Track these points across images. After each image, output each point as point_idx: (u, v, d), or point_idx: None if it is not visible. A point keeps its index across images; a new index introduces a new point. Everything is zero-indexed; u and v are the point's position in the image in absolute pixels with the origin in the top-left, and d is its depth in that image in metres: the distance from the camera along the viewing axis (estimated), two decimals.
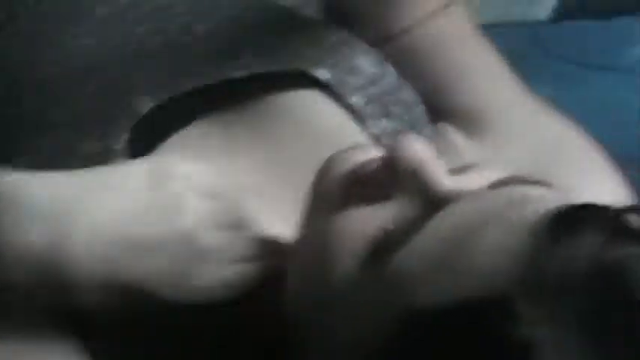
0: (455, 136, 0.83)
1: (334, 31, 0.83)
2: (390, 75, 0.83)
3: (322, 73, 0.80)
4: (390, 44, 0.86)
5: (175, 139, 0.75)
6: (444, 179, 0.59)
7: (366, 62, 0.82)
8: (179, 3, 0.82)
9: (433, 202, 0.58)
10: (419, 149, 0.60)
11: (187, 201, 0.66)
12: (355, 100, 0.80)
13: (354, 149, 0.64)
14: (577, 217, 0.53)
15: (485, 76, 0.86)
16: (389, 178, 0.60)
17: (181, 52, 0.79)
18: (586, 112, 1.07)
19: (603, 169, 0.82)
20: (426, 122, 0.82)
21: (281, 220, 0.69)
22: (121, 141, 0.73)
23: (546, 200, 0.56)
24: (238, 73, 0.78)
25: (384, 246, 0.58)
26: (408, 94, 0.83)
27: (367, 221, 0.59)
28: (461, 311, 0.52)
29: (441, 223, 0.57)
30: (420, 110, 0.83)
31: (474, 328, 0.52)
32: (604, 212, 0.54)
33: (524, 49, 1.17)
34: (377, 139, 0.78)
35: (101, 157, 0.72)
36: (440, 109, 0.84)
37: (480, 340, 0.51)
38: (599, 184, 0.80)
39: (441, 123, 0.83)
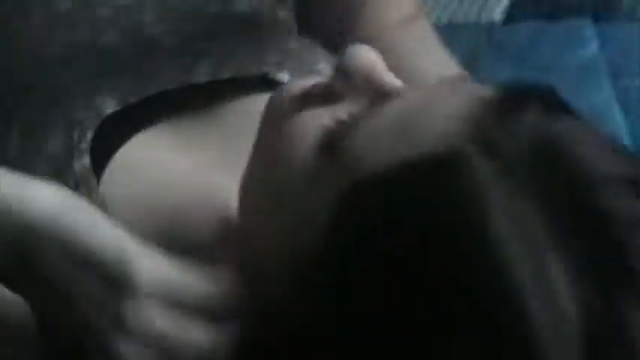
0: None
1: (296, 37, 0.85)
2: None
3: (284, 77, 0.81)
4: None
5: (138, 141, 0.76)
6: (393, 78, 0.62)
7: (326, 68, 0.82)
8: (146, 6, 0.82)
9: (383, 93, 0.61)
10: (369, 54, 0.62)
11: None
12: None
13: (304, 78, 0.66)
14: (520, 96, 0.56)
15: (432, 59, 0.90)
16: (340, 86, 0.62)
17: (147, 56, 0.80)
18: None
19: None
20: None
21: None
22: (86, 140, 0.74)
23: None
24: (202, 78, 0.79)
25: (337, 134, 0.59)
26: None
27: (321, 116, 0.61)
28: (413, 169, 0.54)
29: (393, 104, 0.59)
30: None
31: (429, 184, 0.53)
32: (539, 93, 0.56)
33: (478, 50, 1.18)
34: None
35: (66, 157, 0.73)
36: None
37: (435, 197, 0.52)
38: None
39: None
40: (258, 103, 0.79)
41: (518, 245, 0.50)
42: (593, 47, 1.19)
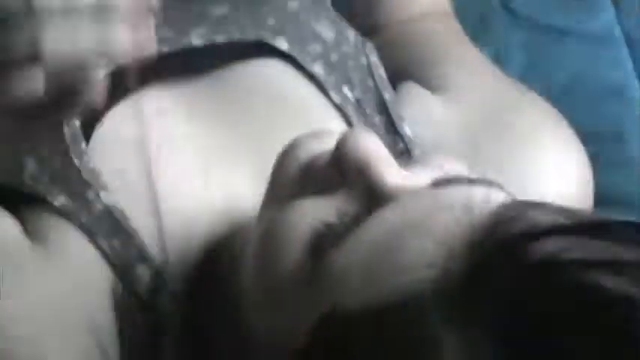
0: (419, 89, 0.83)
1: None
2: (349, 39, 0.83)
3: (281, 43, 0.79)
4: (375, 36, 0.88)
5: (130, 102, 0.74)
6: (387, 176, 0.59)
7: (325, 28, 0.82)
8: None
9: (375, 198, 0.58)
10: (366, 144, 0.60)
11: None
12: (316, 69, 0.80)
13: (314, 136, 0.64)
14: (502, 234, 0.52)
15: (461, 59, 0.88)
16: (336, 172, 0.60)
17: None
18: (555, 84, 1.08)
19: (553, 139, 0.81)
20: (387, 86, 0.82)
21: (236, 182, 0.70)
22: None
23: (485, 204, 0.55)
24: (198, 41, 0.78)
25: (323, 240, 0.58)
26: (369, 58, 0.82)
27: (312, 213, 0.60)
28: (378, 314, 0.52)
29: (375, 225, 0.57)
30: (381, 74, 0.82)
31: (389, 331, 0.52)
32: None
33: (490, 15, 1.15)
34: (339, 109, 0.79)
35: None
36: (403, 78, 0.85)
37: (392, 343, 0.52)
38: (547, 150, 0.80)
39: (406, 82, 0.84)
40: (253, 68, 0.79)
41: None
42: (609, 14, 1.15)
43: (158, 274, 0.69)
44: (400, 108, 0.81)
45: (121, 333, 0.67)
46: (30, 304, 0.65)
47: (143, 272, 0.69)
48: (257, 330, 0.62)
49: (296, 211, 0.60)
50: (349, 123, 0.78)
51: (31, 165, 0.71)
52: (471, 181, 0.59)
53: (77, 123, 0.72)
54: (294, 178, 0.62)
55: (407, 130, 0.79)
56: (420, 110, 0.81)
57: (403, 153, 0.78)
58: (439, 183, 0.59)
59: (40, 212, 0.71)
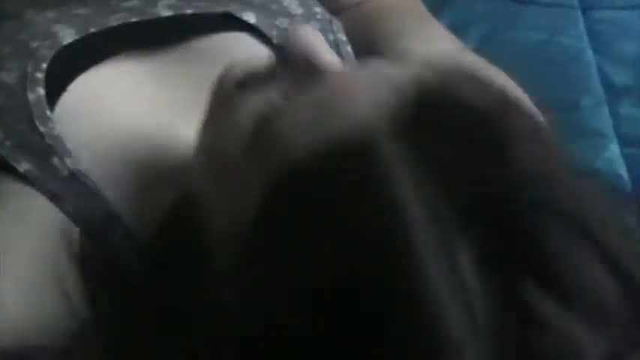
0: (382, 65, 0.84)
1: None
2: (317, 15, 0.84)
3: (249, 16, 0.80)
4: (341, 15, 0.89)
5: (96, 73, 0.75)
6: (326, 56, 0.62)
7: (293, 3, 0.83)
8: None
9: (314, 73, 0.61)
10: (307, 33, 0.63)
11: None
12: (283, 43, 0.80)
13: (246, 59, 0.65)
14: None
15: (424, 33, 0.89)
16: (278, 66, 0.63)
17: None
18: (520, 51, 1.09)
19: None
20: (353, 61, 0.83)
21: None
22: (41, 70, 0.73)
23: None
24: (166, 13, 0.78)
25: (269, 117, 0.59)
26: (337, 35, 0.83)
27: (254, 99, 0.61)
28: (325, 161, 0.54)
29: (314, 89, 0.59)
30: (348, 50, 0.83)
31: (337, 178, 0.53)
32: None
33: None
34: None
35: (20, 87, 0.72)
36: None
37: (346, 186, 0.52)
38: None
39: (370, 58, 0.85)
40: (220, 41, 0.79)
41: (426, 232, 0.50)
42: None
43: (128, 233, 0.69)
44: None
45: (92, 295, 0.66)
46: None
47: (113, 233, 0.70)
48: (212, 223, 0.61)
49: (243, 104, 0.62)
50: None
51: None
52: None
53: (41, 90, 0.72)
54: (234, 86, 0.64)
55: None
56: None
57: None
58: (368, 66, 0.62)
59: (3, 178, 0.71)
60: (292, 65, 0.62)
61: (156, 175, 0.72)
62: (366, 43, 0.87)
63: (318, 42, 0.63)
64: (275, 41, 0.80)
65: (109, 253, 0.69)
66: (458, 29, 1.01)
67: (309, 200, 0.53)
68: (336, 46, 0.83)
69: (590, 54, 1.12)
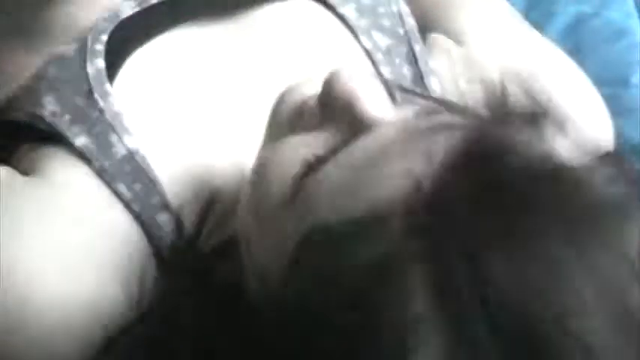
0: (447, 42, 0.83)
1: None
2: None
3: None
4: None
5: (154, 44, 0.74)
6: (370, 107, 0.60)
7: None
8: None
9: (356, 128, 0.60)
10: (351, 79, 0.61)
11: None
12: (347, 12, 0.79)
13: (308, 81, 0.65)
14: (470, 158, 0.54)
15: (478, 11, 0.87)
16: (324, 107, 0.62)
17: None
18: (555, 28, 1.08)
19: (577, 94, 0.83)
20: (417, 36, 0.82)
21: (255, 123, 0.69)
22: (101, 42, 0.72)
23: (459, 131, 0.56)
24: None
25: (310, 170, 0.59)
26: (400, 6, 0.82)
27: (301, 147, 0.61)
28: (356, 229, 0.53)
29: (355, 148, 0.58)
30: (412, 23, 0.82)
31: (366, 248, 0.52)
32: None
33: None
34: (368, 54, 0.79)
35: (80, 60, 0.72)
36: (430, 26, 0.85)
37: (367, 253, 0.52)
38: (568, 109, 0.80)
39: (433, 34, 0.84)
40: (284, 8, 0.79)
41: (436, 314, 0.50)
42: None
43: (179, 222, 0.69)
44: (428, 61, 0.81)
45: (139, 279, 0.67)
46: (40, 247, 0.65)
47: (164, 220, 0.69)
48: (249, 261, 0.62)
49: (286, 147, 0.62)
50: (377, 69, 0.78)
51: (51, 103, 0.71)
52: (451, 110, 0.61)
53: (101, 63, 0.71)
54: (288, 119, 0.64)
55: (434, 84, 0.79)
56: (445, 65, 0.81)
57: None
58: (421, 112, 0.61)
59: (57, 152, 0.70)
60: (336, 112, 0.61)
61: (208, 165, 0.72)
62: (425, 14, 0.86)
63: (362, 87, 0.61)
64: (339, 10, 0.79)
65: (158, 243, 0.69)
66: None
67: (333, 265, 0.53)
68: (400, 18, 0.82)
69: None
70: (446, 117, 0.59)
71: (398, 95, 0.64)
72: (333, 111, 0.61)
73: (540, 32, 0.96)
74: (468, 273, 0.50)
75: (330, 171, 0.58)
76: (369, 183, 0.55)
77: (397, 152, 0.56)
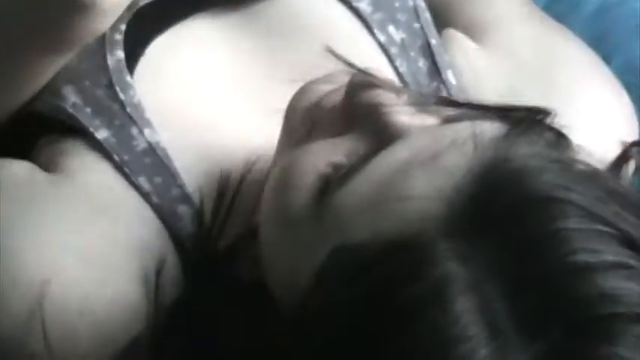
0: (463, 39, 0.82)
1: None
2: None
3: None
4: None
5: (174, 31, 0.75)
6: (395, 115, 0.60)
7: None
8: None
9: (383, 137, 0.59)
10: (375, 86, 0.61)
11: None
12: (362, 5, 0.79)
13: (323, 80, 0.64)
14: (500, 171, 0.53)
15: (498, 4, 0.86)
16: (347, 113, 0.61)
17: None
18: (581, 16, 1.07)
19: (598, 89, 0.82)
20: (433, 30, 0.81)
21: (272, 115, 0.69)
22: (120, 32, 0.72)
23: (489, 138, 0.56)
24: None
25: (332, 181, 0.58)
26: (416, 1, 0.82)
27: (321, 155, 0.60)
28: (384, 251, 0.53)
29: (382, 161, 0.57)
30: (427, 17, 0.82)
31: (395, 268, 0.52)
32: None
33: None
34: (383, 48, 0.78)
35: (100, 51, 0.72)
36: (448, 21, 0.84)
37: (400, 280, 0.52)
38: (589, 101, 0.80)
39: (447, 29, 0.83)
40: (296, 2, 0.78)
41: (481, 340, 0.49)
42: None
43: (199, 215, 0.69)
44: (444, 55, 0.80)
45: (159, 274, 0.67)
46: (65, 242, 0.65)
47: (184, 212, 0.69)
48: (268, 273, 0.62)
49: (305, 155, 0.61)
50: (392, 63, 0.78)
51: (72, 94, 0.71)
52: (479, 116, 0.60)
53: (121, 54, 0.72)
54: (304, 121, 0.63)
55: (451, 77, 0.79)
56: (464, 60, 0.81)
57: None
58: (447, 120, 0.60)
59: (78, 145, 0.70)
60: (359, 120, 0.61)
61: (226, 157, 0.71)
62: (438, 5, 0.85)
63: (387, 94, 0.61)
64: (354, 4, 0.79)
65: (179, 237, 0.69)
66: None
67: (361, 279, 0.53)
68: (415, 12, 0.81)
69: None
70: (470, 126, 0.58)
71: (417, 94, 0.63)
72: (357, 117, 0.61)
73: (565, 21, 0.96)
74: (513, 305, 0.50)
75: (357, 185, 0.57)
76: (398, 199, 0.54)
77: (425, 166, 0.55)
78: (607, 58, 0.96)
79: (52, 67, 0.70)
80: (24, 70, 0.69)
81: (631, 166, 0.74)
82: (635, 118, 0.82)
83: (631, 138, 0.79)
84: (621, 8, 1.08)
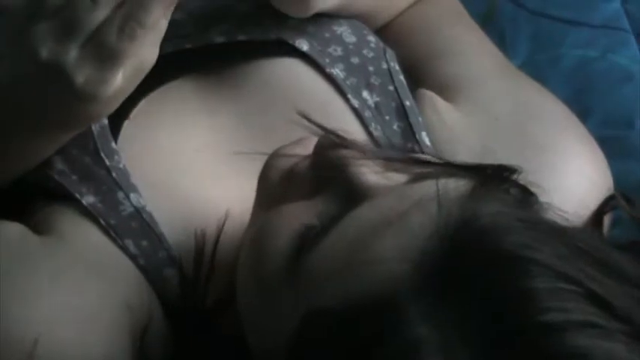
0: (435, 99, 0.83)
1: None
2: (370, 44, 0.83)
3: (302, 44, 0.80)
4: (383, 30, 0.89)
5: (156, 95, 0.76)
6: (362, 175, 0.61)
7: (346, 31, 0.83)
8: None
9: (351, 197, 0.60)
10: (341, 147, 0.62)
11: None
12: (335, 71, 0.80)
13: (294, 145, 0.66)
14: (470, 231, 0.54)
15: (466, 50, 0.87)
16: (316, 174, 0.62)
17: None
18: (561, 70, 1.08)
19: (573, 144, 0.81)
20: (407, 92, 0.82)
21: (249, 178, 0.70)
22: None
23: (453, 199, 0.56)
24: (220, 39, 0.79)
25: (305, 242, 0.59)
26: (389, 64, 0.83)
27: (294, 217, 0.61)
28: (355, 314, 0.53)
29: (349, 223, 0.58)
30: (401, 79, 0.83)
31: (366, 332, 0.52)
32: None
33: (494, 6, 1.15)
34: (357, 113, 0.79)
35: None
36: (422, 80, 0.85)
37: (370, 345, 0.52)
38: (564, 156, 0.80)
39: (420, 89, 0.84)
40: (273, 67, 0.80)
41: None
42: (616, 2, 1.16)
43: (185, 278, 0.69)
44: (419, 116, 0.81)
45: (145, 332, 0.68)
46: (54, 307, 0.66)
47: (171, 275, 0.70)
48: (248, 332, 0.63)
49: (279, 217, 0.62)
50: (366, 127, 0.79)
51: (58, 162, 0.72)
52: (446, 173, 0.60)
53: (105, 120, 0.72)
54: (277, 185, 0.64)
55: (425, 138, 0.79)
56: (437, 120, 0.81)
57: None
58: (415, 178, 0.61)
59: (67, 209, 0.71)
60: (327, 181, 0.62)
61: (208, 224, 0.72)
62: (410, 61, 0.86)
63: (354, 155, 0.62)
64: (327, 70, 0.80)
65: (165, 295, 0.70)
66: (503, 46, 1.01)
67: (334, 343, 0.53)
68: (389, 75, 0.82)
69: None
70: (436, 185, 0.58)
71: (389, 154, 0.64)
72: (326, 178, 0.61)
73: (546, 75, 0.97)
74: None
75: (327, 247, 0.57)
76: (366, 263, 0.55)
77: (391, 227, 0.56)
78: (587, 112, 0.98)
79: (55, 145, 0.71)
80: (25, 148, 0.70)
81: (607, 220, 0.75)
82: (609, 173, 0.82)
83: (606, 193, 0.79)
84: (601, 63, 1.10)
